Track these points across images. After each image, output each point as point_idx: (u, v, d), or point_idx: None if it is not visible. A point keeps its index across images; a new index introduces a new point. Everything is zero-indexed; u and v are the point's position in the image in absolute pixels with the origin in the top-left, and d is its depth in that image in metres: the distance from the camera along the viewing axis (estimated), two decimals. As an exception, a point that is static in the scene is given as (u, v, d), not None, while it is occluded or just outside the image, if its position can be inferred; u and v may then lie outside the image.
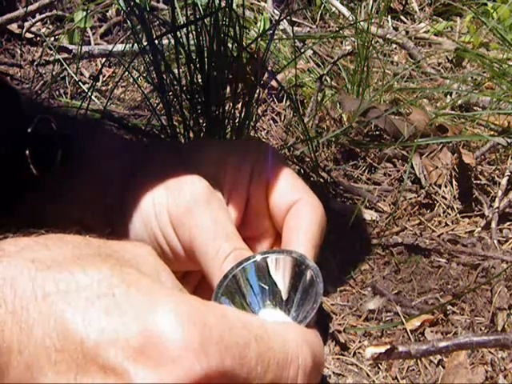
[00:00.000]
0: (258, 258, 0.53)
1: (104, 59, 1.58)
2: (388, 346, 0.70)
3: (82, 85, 1.50)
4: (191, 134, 1.03)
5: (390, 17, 1.76)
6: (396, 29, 1.76)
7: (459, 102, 1.37)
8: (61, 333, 0.37)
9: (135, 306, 0.38)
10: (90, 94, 1.35)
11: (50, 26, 1.74)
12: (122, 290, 0.38)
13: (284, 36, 1.59)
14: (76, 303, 0.38)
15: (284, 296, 0.52)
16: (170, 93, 1.03)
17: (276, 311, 0.51)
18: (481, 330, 0.88)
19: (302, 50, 1.52)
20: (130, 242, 0.47)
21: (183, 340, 0.37)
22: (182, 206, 0.56)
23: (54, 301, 0.38)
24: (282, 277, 0.52)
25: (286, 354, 0.41)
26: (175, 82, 1.03)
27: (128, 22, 1.51)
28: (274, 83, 1.35)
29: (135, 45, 1.25)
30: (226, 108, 1.05)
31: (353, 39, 1.56)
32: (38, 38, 1.69)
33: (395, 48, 1.64)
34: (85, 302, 0.38)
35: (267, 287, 0.52)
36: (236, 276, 0.51)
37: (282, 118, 1.33)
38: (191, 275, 0.63)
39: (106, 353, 0.36)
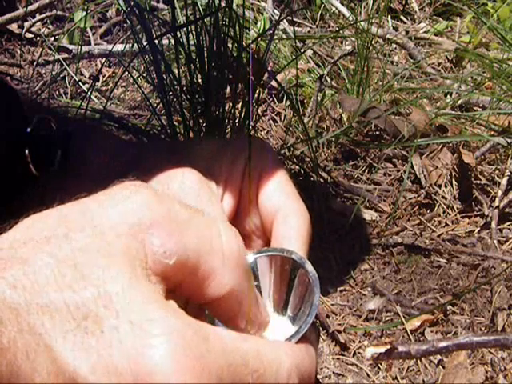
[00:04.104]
0: (258, 255, 0.52)
1: (104, 59, 1.58)
2: (388, 346, 0.70)
3: (81, 85, 1.50)
4: (191, 134, 1.03)
5: (389, 17, 1.76)
6: (396, 29, 1.76)
7: (459, 101, 1.37)
8: (52, 371, 0.36)
9: (126, 346, 0.36)
10: (89, 94, 1.35)
11: (50, 26, 1.74)
12: (111, 325, 0.37)
13: (284, 36, 1.59)
14: (64, 340, 0.37)
15: (280, 296, 0.52)
16: (170, 93, 1.03)
17: (271, 313, 0.51)
18: (481, 330, 0.88)
19: (302, 50, 1.52)
20: (111, 199, 0.43)
21: None
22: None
23: (41, 336, 0.37)
24: (279, 276, 0.52)
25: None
26: (175, 82, 1.03)
27: (128, 21, 1.51)
28: (274, 83, 1.35)
29: (135, 45, 1.25)
30: (226, 108, 1.05)
31: (353, 39, 1.56)
32: (38, 38, 1.69)
33: (395, 48, 1.64)
34: (73, 339, 0.37)
35: (264, 286, 0.52)
36: None
37: (282, 118, 1.33)
38: None
39: None
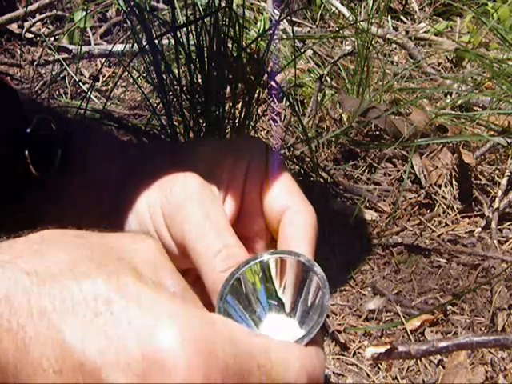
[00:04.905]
0: (265, 257, 0.52)
1: (104, 59, 1.58)
2: (388, 346, 0.70)
3: (81, 85, 1.50)
4: (191, 134, 1.03)
5: (389, 17, 1.76)
6: (396, 29, 1.76)
7: (459, 102, 1.37)
8: (59, 355, 0.36)
9: (135, 326, 0.37)
10: (89, 94, 1.35)
11: (50, 26, 1.74)
12: (121, 306, 0.37)
13: (284, 36, 1.59)
14: (73, 323, 0.37)
15: (289, 299, 0.51)
16: (170, 93, 1.03)
17: (280, 316, 0.51)
18: (481, 330, 0.88)
19: (302, 50, 1.52)
20: (129, 235, 0.45)
21: (188, 370, 0.36)
22: (174, 202, 0.56)
23: (51, 319, 0.37)
24: (288, 279, 0.52)
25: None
26: (175, 82, 1.03)
27: (128, 21, 1.51)
28: (274, 83, 1.35)
29: (135, 45, 1.25)
30: (226, 108, 1.05)
31: (353, 39, 1.56)
32: (38, 38, 1.69)
33: (395, 48, 1.64)
34: (82, 321, 0.37)
35: (272, 288, 0.52)
36: (242, 275, 0.51)
37: (282, 118, 1.33)
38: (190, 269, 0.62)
39: (107, 377, 0.36)
